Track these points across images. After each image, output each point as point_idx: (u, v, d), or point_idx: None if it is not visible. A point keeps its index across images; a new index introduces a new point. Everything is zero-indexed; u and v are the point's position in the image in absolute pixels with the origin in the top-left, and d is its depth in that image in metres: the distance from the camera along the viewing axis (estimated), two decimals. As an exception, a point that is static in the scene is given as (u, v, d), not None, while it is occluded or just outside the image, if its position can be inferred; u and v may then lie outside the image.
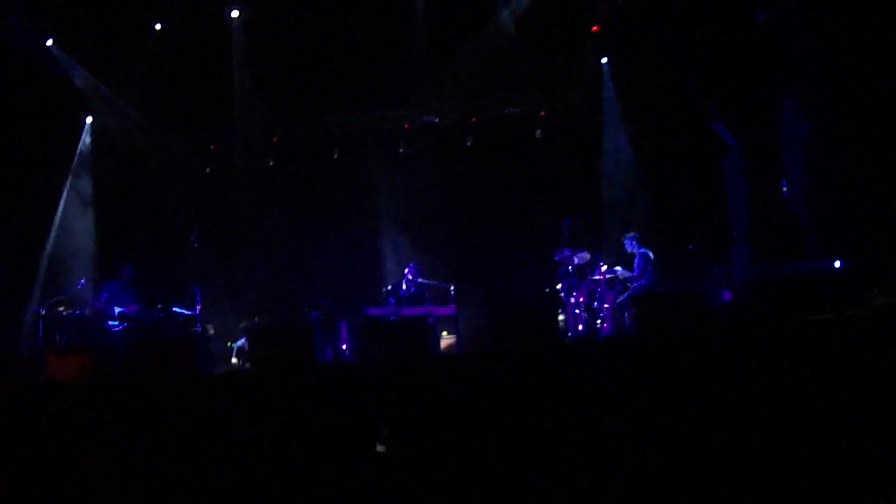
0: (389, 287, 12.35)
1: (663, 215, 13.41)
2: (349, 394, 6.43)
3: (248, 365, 11.13)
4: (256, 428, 6.45)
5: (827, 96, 10.68)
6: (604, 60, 14.45)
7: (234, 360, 12.86)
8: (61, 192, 14.14)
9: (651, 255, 11.46)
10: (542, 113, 15.25)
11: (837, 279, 9.38)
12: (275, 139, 15.73)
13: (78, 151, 14.44)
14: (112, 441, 6.54)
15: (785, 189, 11.84)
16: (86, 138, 14.57)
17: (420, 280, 12.15)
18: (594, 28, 13.84)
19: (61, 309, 11.64)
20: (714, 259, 12.42)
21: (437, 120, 15.46)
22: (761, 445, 5.69)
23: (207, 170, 15.82)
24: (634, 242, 11.66)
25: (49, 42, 12.89)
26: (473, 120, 15.46)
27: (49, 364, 8.60)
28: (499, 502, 5.49)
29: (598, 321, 11.38)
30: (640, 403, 6.17)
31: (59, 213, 14.02)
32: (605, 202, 14.33)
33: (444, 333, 12.03)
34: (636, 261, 11.52)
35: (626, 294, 11.18)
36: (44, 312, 11.45)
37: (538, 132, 15.11)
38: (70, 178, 14.28)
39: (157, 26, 13.14)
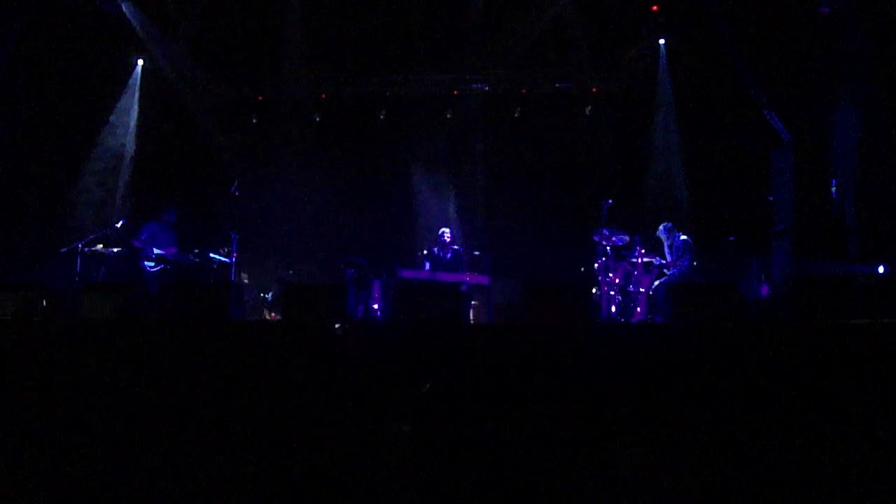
0: (425, 251, 12.32)
1: (706, 204, 13.23)
2: (379, 352, 6.43)
3: (279, 317, 11.19)
4: (283, 377, 6.48)
5: (882, 98, 10.45)
6: (661, 41, 14.20)
7: (266, 312, 12.95)
8: (105, 129, 14.22)
9: (691, 241, 11.33)
10: (594, 90, 15.07)
11: (880, 284, 9.23)
12: (323, 95, 15.70)
13: (126, 91, 14.49)
14: (139, 379, 6.60)
15: (834, 189, 11.64)
16: (135, 79, 14.61)
17: (456, 246, 12.14)
18: (654, 7, 13.60)
19: (100, 246, 11.73)
20: (753, 253, 12.27)
21: (486, 88, 15.35)
22: (784, 448, 5.62)
23: (254, 120, 15.84)
24: (669, 232, 11.55)
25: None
26: (523, 91, 15.32)
27: (83, 301, 8.68)
28: (519, 475, 5.47)
29: (633, 304, 11.29)
30: (666, 393, 6.11)
31: (100, 151, 14.12)
32: (649, 186, 14.16)
33: (475, 303, 11.99)
34: (675, 245, 11.38)
35: (662, 280, 11.09)
36: (83, 248, 11.54)
37: (588, 109, 14.94)
38: (115, 116, 14.35)
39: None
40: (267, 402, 6.27)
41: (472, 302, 11.89)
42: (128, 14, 13.54)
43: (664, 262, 11.35)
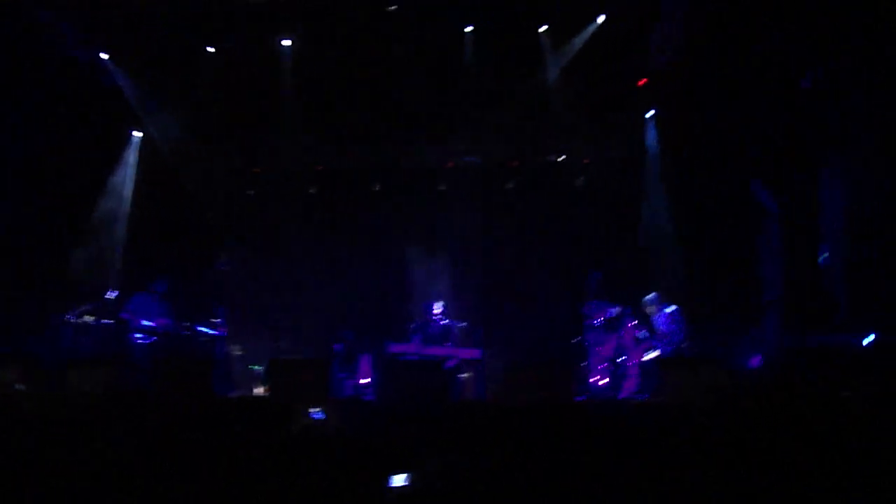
0: (414, 325, 12.25)
1: (696, 275, 13.23)
2: (361, 433, 6.37)
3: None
4: (264, 456, 6.40)
5: (866, 168, 10.54)
6: (649, 114, 14.38)
7: (256, 385, 12.85)
8: (99, 200, 14.36)
9: (679, 311, 11.31)
10: (586, 161, 15.21)
11: (870, 354, 9.19)
12: (320, 167, 15.82)
13: (121, 164, 14.66)
14: (117, 455, 6.53)
15: (826, 256, 11.64)
16: (132, 152, 14.76)
17: (446, 321, 12.06)
18: (641, 81, 13.80)
19: (89, 318, 11.70)
20: (744, 323, 12.24)
21: (479, 161, 15.49)
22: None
23: (251, 192, 15.94)
24: (655, 304, 11.53)
25: (103, 55, 13.06)
26: (515, 164, 15.46)
27: (70, 375, 8.65)
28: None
29: (623, 377, 11.22)
30: (660, 471, 6.04)
31: (94, 222, 14.23)
32: (640, 256, 14.18)
33: (467, 375, 11.89)
34: (670, 317, 11.35)
35: (653, 352, 11.04)
36: (72, 320, 11.51)
37: (580, 180, 15.06)
38: (110, 187, 14.49)
39: (210, 49, 13.30)
40: (246, 482, 6.19)
41: (465, 375, 11.78)
42: (125, 88, 13.75)
43: (653, 334, 11.32)
